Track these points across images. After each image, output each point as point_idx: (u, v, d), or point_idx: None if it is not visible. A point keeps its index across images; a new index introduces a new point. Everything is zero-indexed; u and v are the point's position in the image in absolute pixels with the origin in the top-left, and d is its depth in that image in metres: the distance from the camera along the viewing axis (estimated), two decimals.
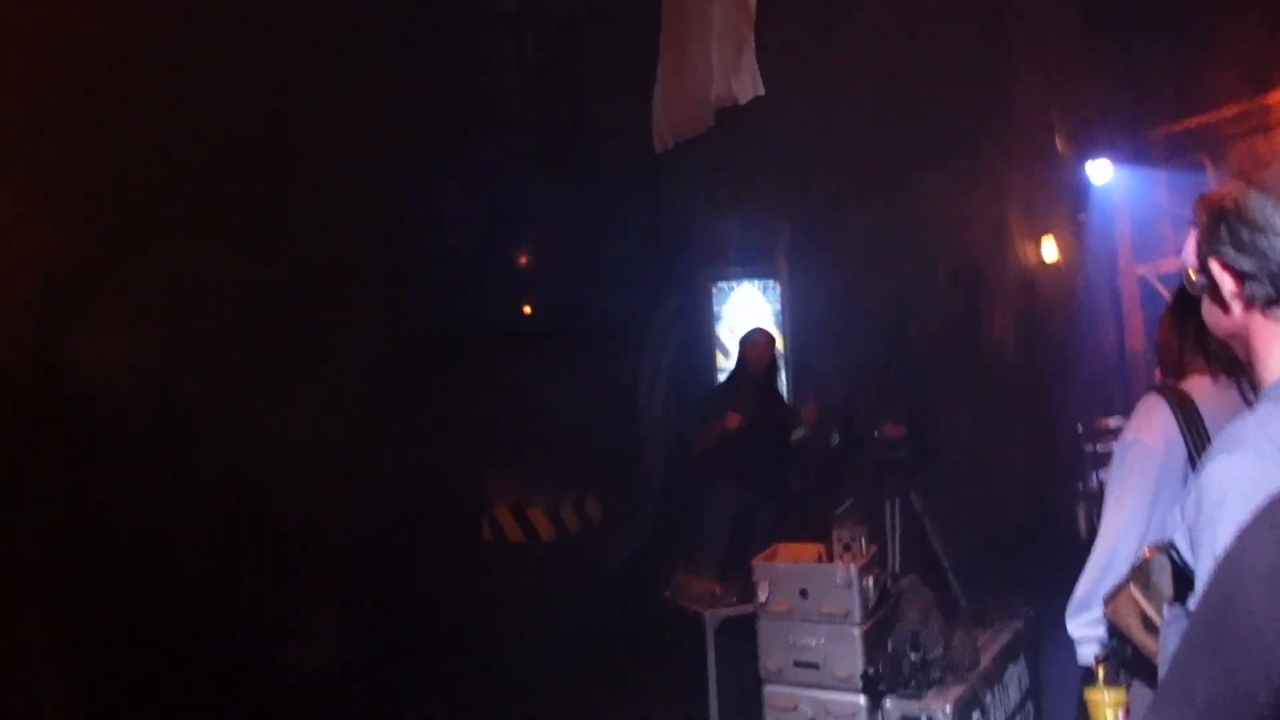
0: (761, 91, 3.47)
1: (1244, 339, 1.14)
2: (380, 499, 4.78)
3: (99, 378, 4.06)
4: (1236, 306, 1.12)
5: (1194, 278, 1.21)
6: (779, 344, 5.61)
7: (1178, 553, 1.08)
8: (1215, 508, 1.00)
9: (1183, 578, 1.06)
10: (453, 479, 4.95)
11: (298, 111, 4.63)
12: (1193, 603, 0.99)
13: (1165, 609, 1.20)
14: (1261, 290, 1.08)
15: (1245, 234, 1.07)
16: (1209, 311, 1.19)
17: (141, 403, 4.15)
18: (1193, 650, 0.81)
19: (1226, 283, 1.12)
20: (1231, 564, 0.80)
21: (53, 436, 3.88)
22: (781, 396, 4.80)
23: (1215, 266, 1.13)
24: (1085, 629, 1.90)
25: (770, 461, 4.50)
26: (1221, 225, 1.11)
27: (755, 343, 4.69)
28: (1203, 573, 0.99)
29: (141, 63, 4.10)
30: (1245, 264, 1.08)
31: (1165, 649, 1.17)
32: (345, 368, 4.77)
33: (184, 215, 4.29)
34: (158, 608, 4.01)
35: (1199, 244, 1.17)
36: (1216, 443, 1.06)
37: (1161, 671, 1.17)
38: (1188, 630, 0.83)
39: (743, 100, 3.52)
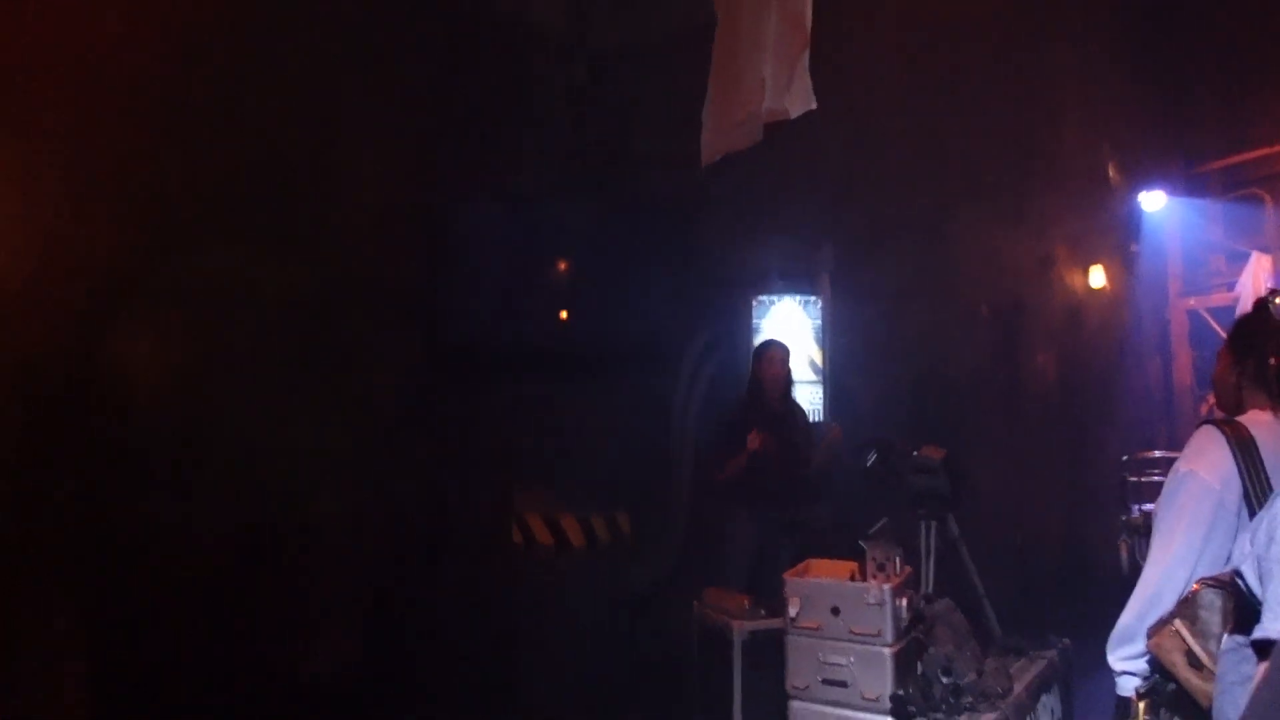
0: (814, 105, 3.47)
1: None
2: (405, 515, 4.81)
3: (133, 384, 4.14)
4: None
5: (1279, 301, 1.19)
6: (818, 359, 5.58)
7: (1244, 582, 1.05)
8: None
9: (1247, 607, 1.03)
10: (483, 496, 4.95)
11: (339, 126, 4.70)
12: (1260, 633, 0.97)
13: (1225, 638, 1.17)
14: None
15: None
16: None
17: (172, 411, 4.20)
18: (1266, 696, 0.78)
19: None
20: None
21: (85, 442, 3.92)
22: (802, 415, 4.56)
23: None
24: (1127, 662, 1.87)
25: (790, 490, 4.31)
26: None
27: (772, 359, 4.39)
28: (1271, 608, 0.97)
29: (187, 72, 4.18)
30: None
31: (1223, 679, 1.15)
32: (375, 384, 4.80)
33: (222, 225, 4.35)
34: (178, 617, 4.04)
35: None
36: None
37: (1218, 701, 1.15)
38: (1271, 669, 0.80)
39: (794, 114, 3.52)
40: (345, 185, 4.69)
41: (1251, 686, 0.95)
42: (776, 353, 4.42)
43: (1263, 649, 0.96)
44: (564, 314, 5.34)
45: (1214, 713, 1.19)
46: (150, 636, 3.95)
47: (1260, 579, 1.00)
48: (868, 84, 5.70)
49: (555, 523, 4.66)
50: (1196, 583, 1.66)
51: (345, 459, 4.62)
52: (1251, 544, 1.03)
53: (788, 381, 4.42)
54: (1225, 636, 1.18)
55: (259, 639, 4.24)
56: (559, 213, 5.34)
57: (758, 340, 5.49)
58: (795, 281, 5.48)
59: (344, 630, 4.57)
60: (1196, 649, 1.60)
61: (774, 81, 3.68)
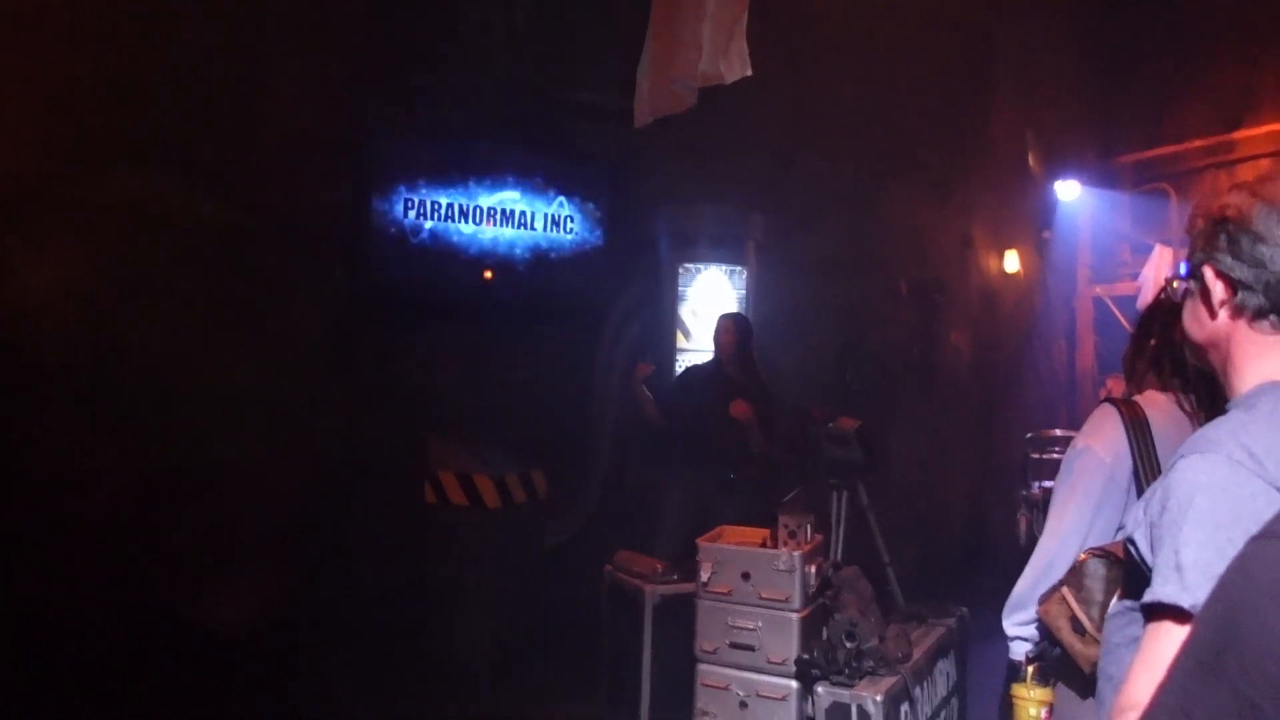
0: (749, 72, 3.45)
1: (1224, 348, 1.15)
2: (320, 458, 4.70)
3: (34, 315, 3.91)
4: (1223, 314, 1.13)
5: (1175, 284, 1.23)
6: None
7: (1136, 549, 1.09)
8: (1181, 508, 1.00)
9: (1138, 574, 1.07)
10: (398, 443, 4.87)
11: (267, 55, 4.49)
12: (1150, 596, 1.00)
13: (1114, 602, 1.22)
14: (1253, 300, 1.09)
15: (1246, 243, 1.09)
16: (1191, 318, 1.19)
17: (78, 339, 3.99)
18: (1190, 666, 0.79)
19: (1218, 290, 1.13)
20: (1238, 577, 0.79)
21: None
22: (763, 388, 4.73)
23: (1208, 273, 1.14)
24: (1019, 628, 1.94)
25: (732, 453, 4.46)
26: (1221, 233, 1.11)
27: (723, 329, 4.67)
28: (1160, 572, 1.00)
29: None
30: (1241, 273, 1.09)
31: (1108, 641, 1.19)
32: (294, 323, 4.65)
33: (139, 149, 4.13)
34: (80, 564, 3.87)
35: (1192, 249, 1.17)
36: (1187, 444, 1.07)
37: (1103, 662, 1.19)
38: (1186, 644, 0.81)
39: (729, 80, 3.50)
40: (268, 112, 4.49)
41: (1148, 652, 0.98)
42: (727, 323, 4.73)
43: (1150, 612, 1.00)
44: (488, 272, 5.23)
45: (1099, 673, 1.23)
46: (51, 584, 3.78)
47: (1151, 546, 1.03)
48: (804, 55, 5.71)
49: (469, 481, 4.60)
50: (1084, 552, 1.73)
51: (259, 400, 4.47)
52: (1145, 512, 1.07)
53: (738, 351, 4.64)
54: (1114, 601, 1.22)
55: (167, 586, 4.10)
56: (489, 155, 5.21)
57: (682, 306, 5.49)
58: (722, 250, 5.49)
59: (256, 577, 4.45)
60: (1080, 615, 1.67)
61: (711, 46, 3.64)
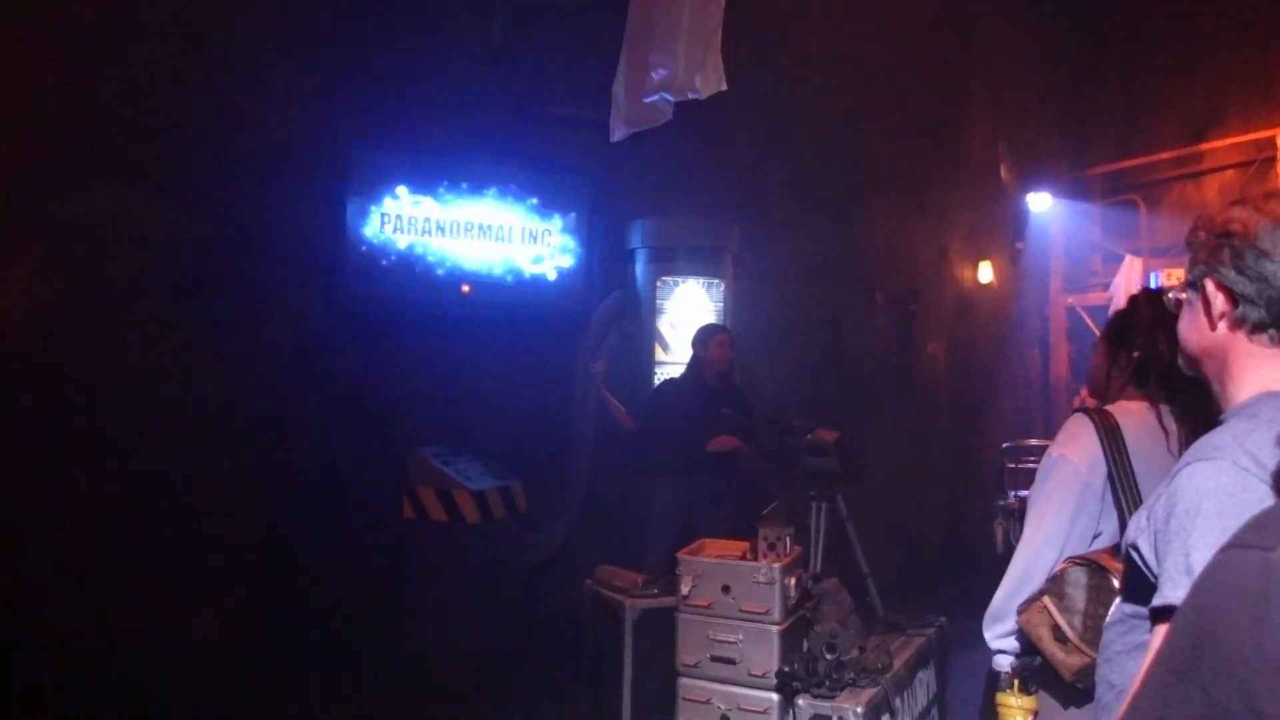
0: (724, 86, 3.48)
1: (1221, 358, 1.17)
2: (295, 474, 4.65)
3: (7, 324, 3.85)
4: (1222, 326, 1.15)
5: (1170, 296, 1.25)
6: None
7: (1140, 555, 1.09)
8: (1188, 515, 1.02)
9: (1142, 582, 1.07)
10: (376, 458, 4.83)
11: (241, 68, 4.47)
12: (1160, 600, 1.01)
13: (1114, 608, 1.22)
14: (1254, 314, 1.11)
15: (1250, 258, 1.10)
16: (1188, 327, 1.21)
17: (43, 355, 3.93)
18: (1165, 671, 0.80)
19: (1218, 302, 1.14)
20: (1210, 584, 0.79)
21: None
22: (743, 396, 4.75)
23: (1209, 285, 1.15)
24: (1001, 640, 1.94)
25: (717, 464, 4.46)
26: (1225, 247, 1.13)
27: (721, 342, 4.64)
28: (1170, 577, 1.01)
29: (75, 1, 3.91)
30: (1244, 287, 1.11)
31: (1108, 649, 1.20)
32: (268, 337, 4.61)
33: (107, 162, 4.09)
34: (48, 583, 3.80)
35: (1193, 260, 1.19)
36: (1191, 451, 1.08)
37: (1103, 670, 1.20)
38: (1161, 650, 0.82)
39: (705, 94, 3.52)
40: (242, 125, 4.46)
41: (1147, 657, 0.99)
42: (726, 337, 4.70)
43: (1159, 615, 1.00)
44: (465, 285, 5.22)
45: (1099, 681, 1.24)
46: (18, 600, 3.70)
47: (1156, 553, 1.04)
48: (779, 68, 5.75)
49: (449, 497, 4.57)
50: (1065, 561, 1.74)
51: (231, 414, 4.42)
52: (1148, 519, 1.08)
53: (731, 364, 4.66)
54: (1115, 606, 1.23)
55: (137, 606, 4.03)
56: (467, 169, 5.20)
57: (660, 319, 5.49)
58: (700, 263, 5.50)
59: (229, 593, 4.39)
60: (1062, 623, 1.67)
61: (687, 60, 3.67)
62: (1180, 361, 1.26)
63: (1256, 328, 1.12)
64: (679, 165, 5.54)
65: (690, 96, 3.62)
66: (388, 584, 4.67)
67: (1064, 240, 8.23)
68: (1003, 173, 7.88)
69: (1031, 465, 5.08)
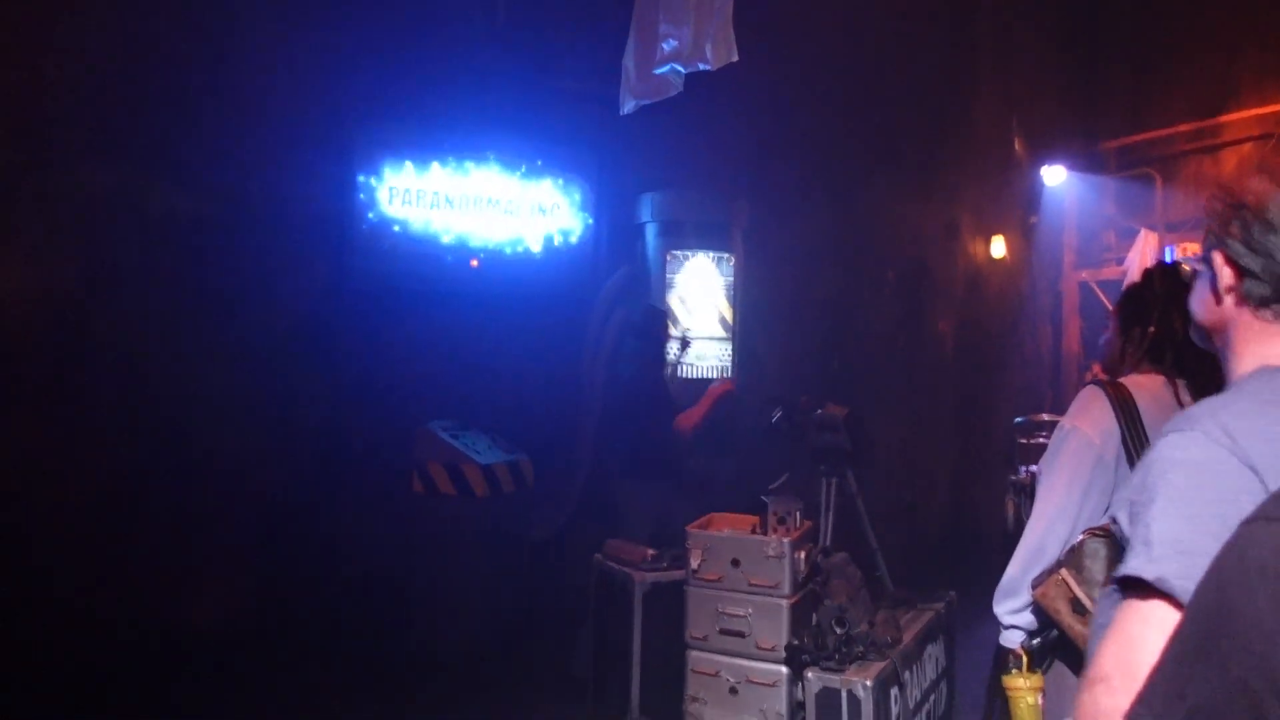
0: (735, 58, 3.43)
1: (1226, 332, 1.15)
2: (303, 450, 4.65)
3: (12, 302, 3.85)
4: (1229, 300, 1.13)
5: (1187, 267, 1.24)
6: (729, 317, 5.61)
7: (1118, 526, 1.09)
8: (1156, 484, 1.01)
9: (1122, 552, 1.07)
10: (384, 433, 4.82)
11: (247, 44, 4.43)
12: (1121, 570, 1.01)
13: (1099, 590, 1.22)
14: (1259, 290, 1.09)
15: (1258, 231, 1.08)
16: (1198, 300, 1.20)
17: (49, 334, 3.93)
18: (1184, 647, 0.79)
19: (1225, 276, 1.13)
20: (1231, 559, 0.78)
21: None
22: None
23: (1218, 258, 1.14)
24: (1013, 615, 1.93)
25: (675, 455, 4.32)
26: (1236, 219, 1.11)
27: (668, 325, 4.57)
28: (1133, 548, 1.00)
29: None
30: (1251, 262, 1.09)
31: (1096, 620, 1.19)
32: (274, 313, 4.60)
33: (109, 139, 4.06)
34: (49, 555, 3.81)
35: (1207, 231, 1.17)
36: (1170, 422, 1.07)
37: (1092, 643, 1.20)
38: (1180, 626, 0.81)
39: (716, 66, 3.47)
40: (245, 100, 4.43)
41: (1117, 626, 0.99)
42: (667, 320, 4.63)
43: (1123, 586, 1.00)
44: (474, 260, 5.20)
45: (1087, 654, 1.23)
46: (24, 584, 3.72)
47: (1130, 521, 1.03)
48: (789, 40, 5.68)
49: (458, 471, 4.58)
50: (1083, 532, 1.73)
51: (239, 392, 4.42)
52: (1128, 490, 1.07)
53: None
54: (1099, 589, 1.22)
55: (143, 583, 4.05)
56: (475, 143, 5.16)
57: (670, 294, 5.46)
58: (709, 237, 5.47)
59: (237, 571, 4.41)
60: (1081, 596, 1.66)
61: (697, 31, 3.62)
62: (1192, 335, 1.25)
63: (1261, 303, 1.10)
64: (688, 139, 5.49)
65: (701, 67, 3.57)
66: (396, 557, 4.69)
67: (1077, 214, 8.16)
68: (1016, 146, 7.80)
69: (1043, 440, 5.06)
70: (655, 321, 4.57)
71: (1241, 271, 1.10)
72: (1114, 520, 1.10)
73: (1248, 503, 0.91)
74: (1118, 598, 1.01)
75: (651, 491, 4.27)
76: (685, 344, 5.03)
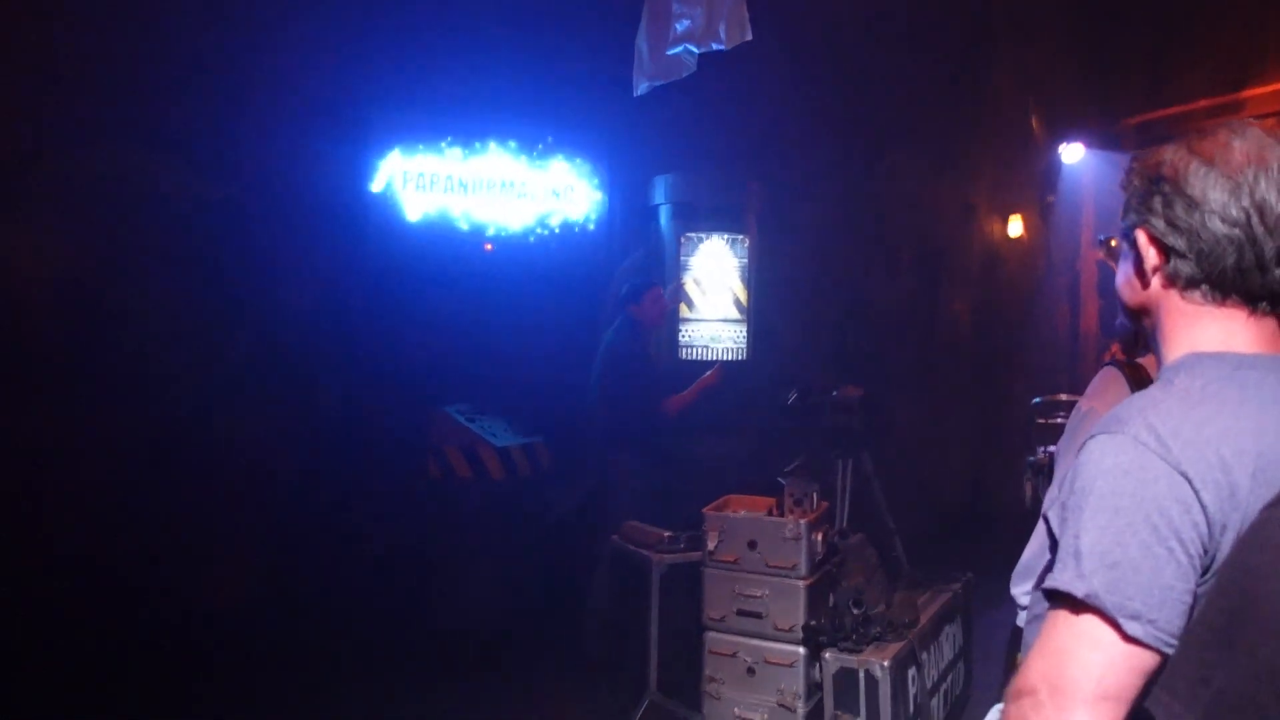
0: (749, 37, 3.40)
1: (1155, 315, 1.08)
2: (318, 433, 4.68)
3: (21, 285, 3.88)
4: (1156, 281, 1.06)
5: (1113, 245, 1.18)
6: (743, 299, 5.59)
7: (1049, 525, 1.02)
8: (1084, 491, 0.96)
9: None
10: (400, 416, 4.85)
11: (259, 25, 4.42)
12: (1049, 582, 0.95)
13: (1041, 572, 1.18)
14: (1186, 269, 1.03)
15: (1180, 207, 1.02)
16: (1124, 281, 1.12)
17: (64, 317, 3.96)
18: (1210, 634, 0.78)
19: (1150, 256, 1.06)
20: (1254, 545, 0.77)
21: None
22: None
23: (1141, 237, 1.06)
24: (1029, 596, 1.93)
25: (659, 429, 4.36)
26: (1156, 194, 1.04)
27: (656, 297, 4.54)
28: (1060, 559, 0.95)
29: None
30: (1174, 240, 1.02)
31: (1032, 609, 1.16)
32: (290, 296, 4.62)
33: (124, 122, 4.08)
34: (68, 536, 3.86)
35: (1125, 208, 1.09)
36: (1101, 421, 1.01)
37: (1027, 635, 1.16)
38: (1201, 613, 0.80)
39: (729, 45, 3.44)
40: (260, 83, 4.43)
41: (1046, 637, 0.96)
42: (659, 291, 4.60)
43: (1050, 597, 0.96)
44: (488, 243, 5.20)
45: (1023, 642, 1.22)
46: (41, 563, 3.77)
47: (1059, 526, 0.99)
48: (803, 20, 5.62)
49: (474, 453, 4.60)
50: None
51: (256, 374, 4.45)
52: (1059, 489, 1.03)
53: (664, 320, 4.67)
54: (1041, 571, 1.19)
55: (162, 563, 4.10)
56: (488, 126, 5.16)
57: (685, 276, 5.45)
58: (723, 219, 5.45)
59: (254, 554, 4.46)
60: None
61: (710, 11, 3.59)
62: (1122, 317, 1.17)
63: (1189, 285, 1.03)
64: (702, 121, 5.46)
65: (715, 47, 3.54)
66: (413, 540, 4.73)
67: (1096, 193, 8.05)
68: (1033, 124, 7.70)
69: (1060, 421, 5.01)
70: (641, 293, 4.55)
71: (1166, 251, 1.04)
72: (1045, 519, 1.04)
73: (1178, 510, 0.89)
74: (1047, 605, 0.98)
75: (629, 462, 4.32)
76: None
